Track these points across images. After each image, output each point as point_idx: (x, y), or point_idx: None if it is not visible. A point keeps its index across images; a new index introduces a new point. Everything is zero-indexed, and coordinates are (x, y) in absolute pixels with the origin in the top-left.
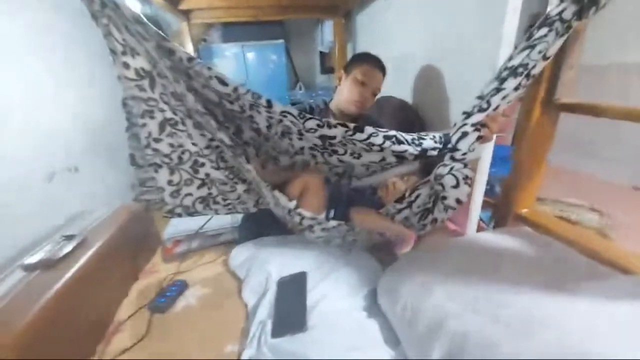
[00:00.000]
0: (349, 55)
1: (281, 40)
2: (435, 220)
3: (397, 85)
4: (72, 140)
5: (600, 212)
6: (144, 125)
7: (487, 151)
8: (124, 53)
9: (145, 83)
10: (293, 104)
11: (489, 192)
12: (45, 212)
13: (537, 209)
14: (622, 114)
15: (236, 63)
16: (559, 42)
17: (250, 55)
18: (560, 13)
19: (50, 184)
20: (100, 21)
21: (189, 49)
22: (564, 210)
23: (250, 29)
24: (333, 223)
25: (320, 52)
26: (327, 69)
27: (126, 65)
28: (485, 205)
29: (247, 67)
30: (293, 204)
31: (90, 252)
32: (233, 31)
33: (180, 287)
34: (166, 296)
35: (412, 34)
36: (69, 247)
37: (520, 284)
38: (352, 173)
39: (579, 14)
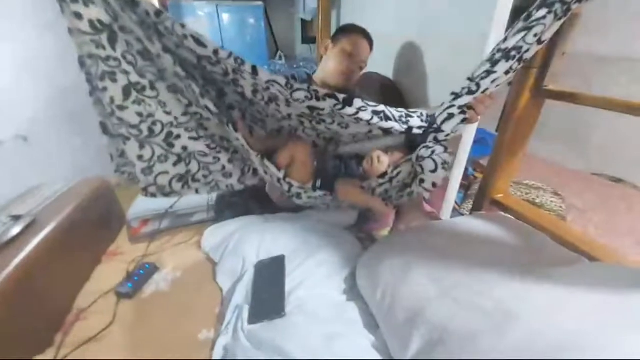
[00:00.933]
0: (333, 25)
1: (260, 2)
2: (411, 192)
3: (381, 60)
4: (23, 105)
5: (561, 196)
6: (105, 89)
7: (467, 138)
8: (73, 0)
9: (104, 38)
10: None
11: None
12: None
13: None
14: (604, 104)
15: (210, 25)
16: (556, 25)
17: (226, 17)
18: None
19: None
20: None
21: (155, 3)
22: (529, 194)
23: None
24: (319, 192)
25: (302, 20)
26: (308, 39)
27: (78, 15)
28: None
29: (222, 31)
30: (282, 173)
31: (42, 234)
32: None
33: (150, 271)
34: (133, 280)
35: (399, 5)
36: (16, 229)
37: (497, 270)
38: (339, 139)
39: None
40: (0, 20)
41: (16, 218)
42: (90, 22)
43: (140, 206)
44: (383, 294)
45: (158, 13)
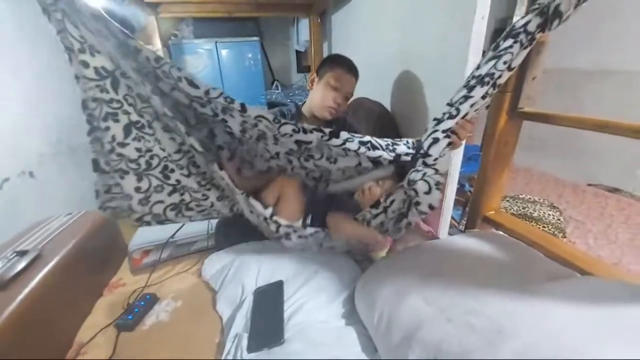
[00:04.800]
0: (325, 55)
1: (256, 38)
2: (409, 223)
3: (372, 87)
4: (30, 142)
5: (559, 209)
6: (107, 128)
7: (456, 155)
8: (81, 51)
9: (107, 83)
10: (270, 105)
11: (459, 190)
12: None
13: (501, 210)
14: (576, 123)
15: (210, 60)
16: (523, 53)
17: (225, 53)
18: (525, 25)
19: (1, 191)
20: (53, 16)
21: (157, 44)
22: (526, 208)
23: (223, 25)
24: (310, 230)
25: (296, 51)
26: (303, 68)
27: (85, 64)
28: (456, 203)
29: (221, 65)
30: (269, 211)
31: (46, 269)
32: (205, 26)
33: (150, 302)
34: (134, 312)
35: (386, 36)
36: (21, 265)
37: (491, 288)
38: (329, 177)
39: (543, 27)
40: (9, 63)
41: (21, 253)
42: (96, 70)
43: (142, 237)
44: (380, 317)
45: (157, 59)
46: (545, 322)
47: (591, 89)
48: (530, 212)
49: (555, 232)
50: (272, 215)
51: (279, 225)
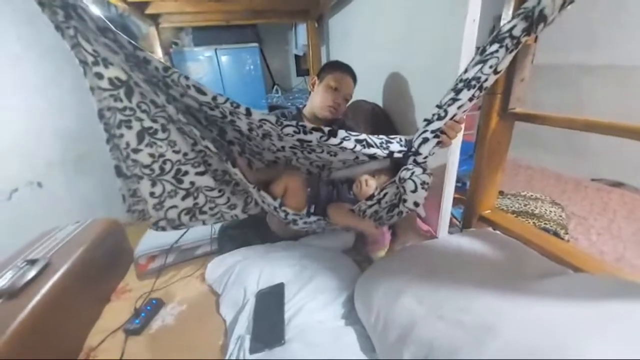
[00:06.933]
0: (323, 59)
1: (255, 44)
2: (400, 212)
3: (369, 89)
4: (38, 152)
5: (560, 205)
6: (121, 135)
7: (453, 156)
8: (95, 63)
9: (121, 92)
10: (271, 108)
11: (460, 188)
12: (6, 233)
13: (498, 206)
14: (566, 123)
15: (210, 67)
16: (509, 57)
17: (225, 59)
18: (510, 30)
19: (10, 201)
20: (66, 33)
21: (158, 53)
22: (527, 205)
23: (223, 33)
24: (313, 218)
25: (295, 55)
26: (302, 71)
27: (99, 76)
28: (457, 201)
29: (221, 71)
30: (278, 202)
31: (55, 277)
32: (204, 35)
33: (156, 306)
34: (141, 317)
35: (381, 38)
36: (32, 273)
37: (483, 286)
38: (330, 166)
39: (529, 30)
40: (16, 77)
41: (32, 262)
42: (110, 80)
43: (147, 243)
44: (377, 316)
45: (166, 68)
46: (532, 319)
47: (592, 84)
48: (531, 210)
49: (557, 229)
50: (280, 205)
51: (287, 213)
